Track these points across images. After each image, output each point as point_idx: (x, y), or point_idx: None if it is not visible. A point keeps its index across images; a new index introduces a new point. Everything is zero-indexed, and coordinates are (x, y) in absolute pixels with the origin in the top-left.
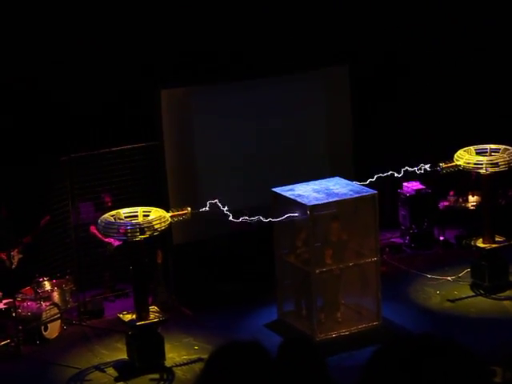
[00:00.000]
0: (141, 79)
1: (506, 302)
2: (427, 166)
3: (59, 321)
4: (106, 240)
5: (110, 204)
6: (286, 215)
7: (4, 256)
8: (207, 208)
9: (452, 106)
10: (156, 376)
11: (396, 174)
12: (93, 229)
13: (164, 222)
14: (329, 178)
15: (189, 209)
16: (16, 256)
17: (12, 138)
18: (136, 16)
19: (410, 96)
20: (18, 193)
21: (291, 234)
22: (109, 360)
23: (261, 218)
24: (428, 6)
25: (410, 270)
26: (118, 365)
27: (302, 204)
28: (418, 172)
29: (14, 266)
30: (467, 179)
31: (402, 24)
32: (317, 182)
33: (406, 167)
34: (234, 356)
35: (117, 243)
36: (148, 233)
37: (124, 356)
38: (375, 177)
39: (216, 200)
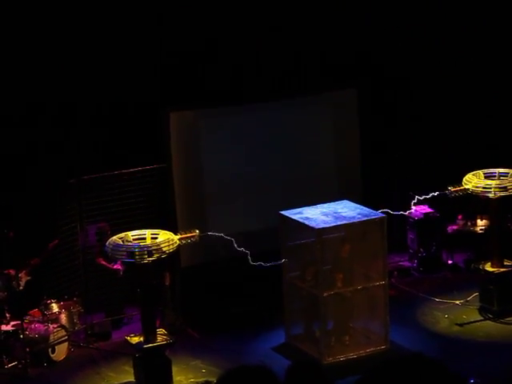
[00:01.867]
0: (150, 101)
1: None
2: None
3: (67, 343)
4: (114, 268)
5: (109, 232)
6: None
7: (13, 272)
8: (215, 232)
9: (461, 129)
10: None
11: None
12: (100, 260)
13: (172, 244)
14: (337, 201)
15: (197, 231)
16: (24, 278)
17: (21, 160)
18: (146, 39)
19: (418, 120)
20: (26, 215)
21: (299, 259)
22: (116, 382)
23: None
24: (439, 28)
25: (418, 293)
26: None
27: (310, 227)
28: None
29: (21, 288)
30: (476, 203)
31: (413, 48)
32: (325, 205)
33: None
34: (241, 380)
35: (122, 268)
36: (156, 255)
37: (131, 379)
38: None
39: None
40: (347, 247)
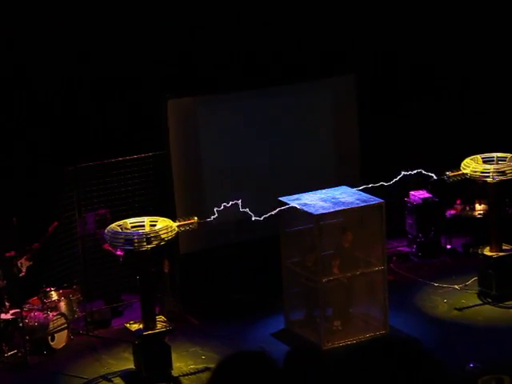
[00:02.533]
0: (148, 89)
1: None
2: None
3: (66, 331)
4: (118, 253)
5: (110, 218)
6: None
7: (22, 260)
8: (214, 216)
9: (459, 114)
10: None
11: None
12: (106, 246)
13: (171, 231)
14: (336, 187)
15: (195, 218)
16: (25, 263)
17: (22, 147)
18: (144, 27)
19: (417, 105)
20: (26, 202)
21: (298, 245)
22: (116, 370)
23: None
24: (438, 11)
25: (417, 278)
26: (124, 374)
27: (308, 213)
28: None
29: (22, 274)
30: (474, 188)
31: (409, 34)
32: (323, 191)
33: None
34: (240, 366)
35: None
36: (155, 242)
37: (131, 366)
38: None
39: (222, 208)
40: (349, 236)
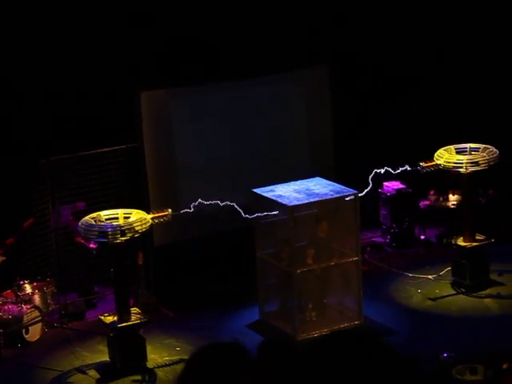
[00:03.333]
0: (121, 81)
1: (486, 300)
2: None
3: (40, 323)
4: (90, 246)
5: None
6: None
7: None
8: (188, 210)
9: (432, 104)
10: (138, 377)
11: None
12: (79, 239)
13: (145, 223)
14: (309, 178)
15: (169, 210)
16: None
17: None
18: (116, 17)
19: (389, 95)
20: None
21: (272, 236)
22: (90, 362)
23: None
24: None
25: (391, 269)
26: (99, 367)
27: (282, 204)
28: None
29: None
30: (447, 178)
31: (381, 23)
32: (297, 182)
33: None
34: (214, 357)
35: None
36: (129, 235)
37: (106, 358)
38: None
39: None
40: (324, 226)
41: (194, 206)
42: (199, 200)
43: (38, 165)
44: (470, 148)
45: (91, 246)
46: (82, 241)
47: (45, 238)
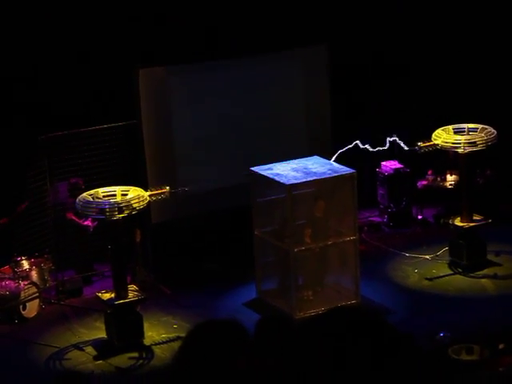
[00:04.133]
0: (119, 58)
1: (483, 281)
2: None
3: (38, 300)
4: (84, 224)
5: (83, 187)
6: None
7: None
8: (186, 188)
9: (430, 84)
10: (135, 354)
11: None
12: (70, 215)
13: (142, 201)
14: (307, 157)
15: (167, 187)
16: None
17: None
18: None
19: (388, 74)
20: None
21: (271, 214)
22: (87, 339)
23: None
24: None
25: (388, 248)
26: (96, 343)
27: (280, 183)
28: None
29: None
30: (445, 158)
31: (381, 2)
32: (295, 161)
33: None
34: (211, 334)
35: (94, 225)
36: (126, 212)
37: (103, 335)
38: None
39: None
40: (321, 205)
41: (192, 184)
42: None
43: (36, 141)
44: (468, 128)
45: (88, 223)
46: (74, 217)
47: (42, 215)
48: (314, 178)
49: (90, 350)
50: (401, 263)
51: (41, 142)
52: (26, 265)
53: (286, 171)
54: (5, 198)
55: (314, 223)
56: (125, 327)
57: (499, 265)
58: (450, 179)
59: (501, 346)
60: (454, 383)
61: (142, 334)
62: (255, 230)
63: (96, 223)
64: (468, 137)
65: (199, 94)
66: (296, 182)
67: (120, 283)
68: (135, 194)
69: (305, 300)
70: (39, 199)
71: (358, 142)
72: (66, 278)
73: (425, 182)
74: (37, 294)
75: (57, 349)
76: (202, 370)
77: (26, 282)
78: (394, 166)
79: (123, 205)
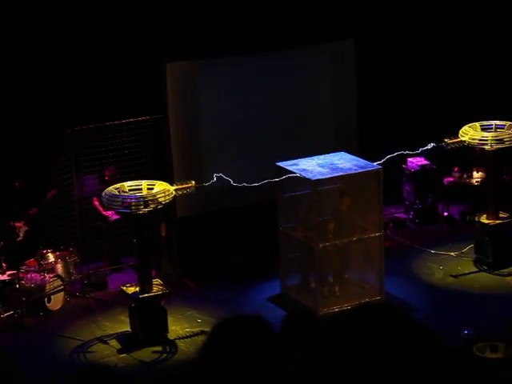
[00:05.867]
0: (147, 52)
1: (508, 278)
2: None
3: (63, 293)
4: (105, 213)
5: (107, 178)
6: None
7: (20, 224)
8: (212, 181)
9: (459, 81)
10: (159, 348)
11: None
12: (95, 201)
13: (168, 195)
14: (334, 153)
15: (193, 182)
16: (22, 228)
17: (19, 111)
18: None
19: (417, 71)
20: (24, 166)
21: (296, 210)
22: (112, 332)
23: None
24: None
25: (413, 245)
26: (120, 337)
27: (306, 178)
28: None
29: (20, 238)
30: (472, 155)
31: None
32: (321, 156)
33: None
34: (236, 329)
35: (115, 217)
36: (152, 206)
37: (127, 328)
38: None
39: (220, 174)
40: (347, 200)
41: (218, 179)
42: (219, 172)
43: (64, 134)
44: (496, 125)
45: (106, 213)
46: (98, 205)
47: (68, 208)
48: (340, 173)
49: (114, 343)
50: (426, 260)
51: (67, 135)
52: (51, 258)
53: (312, 167)
54: (33, 191)
55: (338, 218)
56: (149, 321)
57: None
58: (477, 176)
59: None
60: (479, 381)
61: (166, 328)
62: (280, 226)
63: (117, 217)
64: (495, 134)
65: (226, 89)
66: (322, 177)
67: (145, 277)
68: (161, 189)
69: (328, 296)
70: (65, 192)
71: (405, 151)
72: (91, 271)
73: (451, 179)
74: (62, 287)
75: (81, 341)
76: (225, 364)
77: (51, 275)
78: (420, 163)
79: (149, 199)
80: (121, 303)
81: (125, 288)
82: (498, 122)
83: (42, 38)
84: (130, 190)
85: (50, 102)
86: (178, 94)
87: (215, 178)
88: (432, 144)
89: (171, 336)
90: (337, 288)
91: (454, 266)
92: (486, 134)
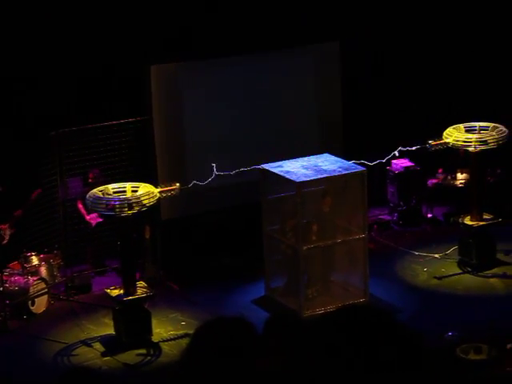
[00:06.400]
0: (131, 54)
1: (492, 280)
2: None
3: (46, 296)
4: (88, 217)
5: (90, 180)
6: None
7: (4, 227)
8: (196, 183)
9: (443, 83)
10: (143, 351)
11: (396, 153)
12: (79, 203)
13: (152, 197)
14: (318, 154)
15: (177, 184)
16: (7, 231)
17: (2, 113)
18: None
19: (403, 72)
20: (8, 168)
21: (280, 213)
22: (96, 335)
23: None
24: None
25: (397, 247)
26: (104, 340)
27: (290, 180)
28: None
29: (5, 241)
30: (456, 157)
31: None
32: (306, 158)
33: (400, 147)
34: (219, 331)
35: (97, 220)
36: (136, 208)
37: (111, 331)
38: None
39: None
40: (328, 200)
41: (200, 179)
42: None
43: (48, 136)
44: (480, 127)
45: (91, 218)
46: (82, 208)
47: (52, 210)
48: (325, 175)
49: (97, 346)
50: (410, 262)
51: (52, 137)
52: (35, 260)
53: (297, 168)
54: (17, 193)
55: (320, 219)
56: (133, 324)
57: (508, 264)
58: (461, 178)
59: (509, 346)
60: (462, 383)
61: (150, 331)
62: (265, 228)
63: (100, 220)
64: (479, 135)
65: (211, 91)
66: (306, 179)
67: (129, 279)
68: (145, 191)
69: (312, 298)
70: (49, 195)
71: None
72: (74, 274)
73: (435, 181)
74: (45, 290)
75: (65, 345)
76: (209, 366)
77: (34, 278)
78: (404, 164)
79: (133, 201)
80: (105, 306)
81: (109, 291)
82: (481, 124)
83: (24, 38)
84: (114, 193)
85: (33, 103)
86: (163, 96)
87: (198, 180)
88: (415, 146)
89: (155, 338)
90: (314, 289)
91: (438, 267)
92: (470, 135)
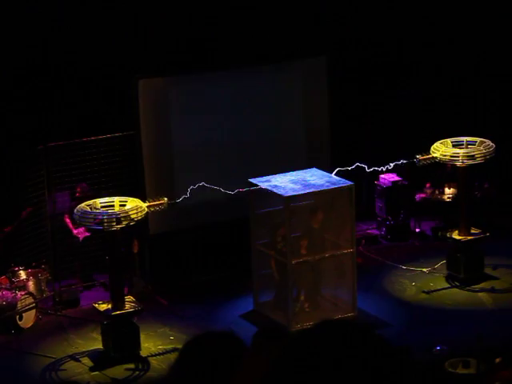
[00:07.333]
0: (118, 68)
1: (480, 294)
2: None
3: (34, 310)
4: (75, 232)
5: (78, 194)
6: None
7: None
8: (184, 196)
9: (430, 98)
10: (131, 366)
11: (383, 168)
12: (66, 218)
13: (140, 211)
14: (306, 169)
15: (165, 199)
16: None
17: None
18: (115, 6)
19: (388, 87)
20: None
21: (269, 227)
22: (84, 350)
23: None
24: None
25: (385, 261)
26: (93, 354)
27: (278, 195)
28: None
29: None
30: (444, 171)
31: (381, 15)
32: (294, 173)
33: (389, 164)
34: (207, 345)
35: (85, 235)
36: (124, 222)
37: (99, 346)
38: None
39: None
40: (319, 217)
41: (191, 193)
42: (191, 188)
43: (35, 151)
44: (467, 141)
45: (76, 232)
46: (69, 222)
47: (40, 225)
48: (312, 189)
49: (86, 360)
50: (398, 276)
51: (40, 151)
52: (22, 275)
53: (284, 183)
54: (5, 208)
55: (310, 234)
56: (121, 338)
57: (496, 278)
58: (448, 192)
59: (497, 360)
60: None
61: (138, 345)
62: (253, 242)
63: (88, 234)
64: (466, 150)
65: (198, 105)
66: (294, 193)
67: (117, 294)
68: (133, 205)
69: (301, 312)
70: (37, 209)
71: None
72: (62, 289)
73: (423, 195)
74: (33, 305)
75: (53, 359)
76: (198, 381)
77: (22, 293)
78: (392, 179)
79: (121, 215)
80: (93, 320)
81: (97, 305)
82: (469, 139)
83: (12, 50)
84: (102, 207)
85: (21, 117)
86: (150, 111)
87: (187, 195)
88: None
89: (144, 353)
90: (307, 304)
91: (426, 282)
92: (457, 150)
